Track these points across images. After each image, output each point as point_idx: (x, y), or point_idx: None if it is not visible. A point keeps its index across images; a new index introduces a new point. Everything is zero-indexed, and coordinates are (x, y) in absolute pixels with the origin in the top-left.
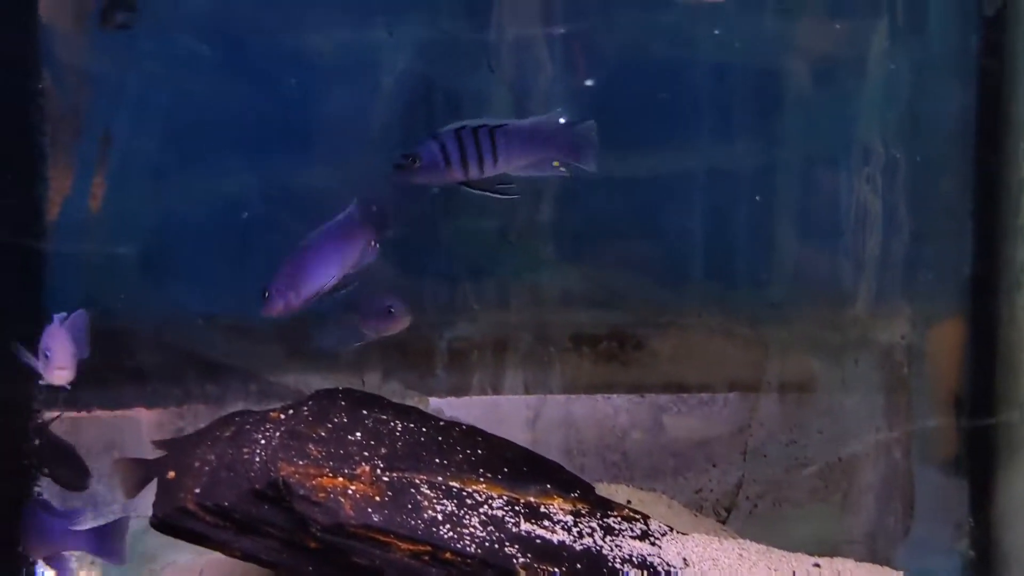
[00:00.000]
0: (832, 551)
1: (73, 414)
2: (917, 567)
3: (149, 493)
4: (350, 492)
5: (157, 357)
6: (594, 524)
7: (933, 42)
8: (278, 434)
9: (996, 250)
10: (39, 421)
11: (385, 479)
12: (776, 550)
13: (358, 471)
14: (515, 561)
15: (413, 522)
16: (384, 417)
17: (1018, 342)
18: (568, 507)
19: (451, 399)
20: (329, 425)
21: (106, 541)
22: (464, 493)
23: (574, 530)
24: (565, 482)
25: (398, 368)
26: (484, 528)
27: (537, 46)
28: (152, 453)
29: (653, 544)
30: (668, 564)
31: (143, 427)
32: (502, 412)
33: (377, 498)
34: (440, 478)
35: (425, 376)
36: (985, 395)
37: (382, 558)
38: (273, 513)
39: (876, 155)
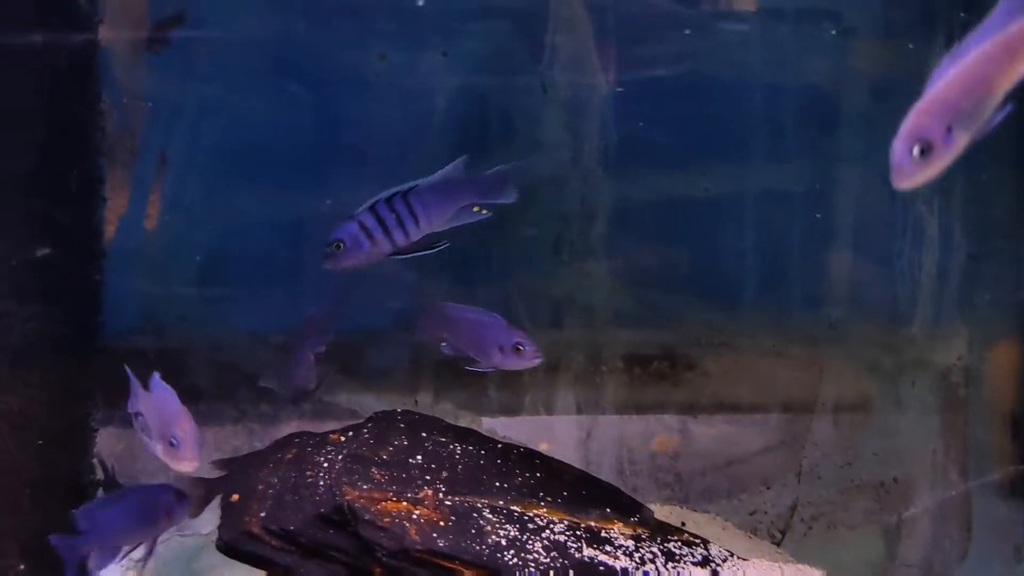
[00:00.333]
0: (887, 575)
1: (130, 432)
2: None
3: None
4: (414, 517)
5: (211, 376)
6: (655, 549)
7: None
8: (340, 457)
9: None
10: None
11: (448, 503)
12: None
13: (421, 495)
14: None
15: (478, 547)
16: (443, 440)
17: None
18: (628, 531)
19: (503, 419)
20: (390, 448)
21: None
22: (526, 518)
23: (635, 556)
24: (624, 506)
25: (450, 388)
26: (547, 554)
27: (590, 66)
28: (210, 472)
29: (714, 571)
30: None
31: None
32: (554, 432)
33: (441, 523)
34: (501, 502)
35: (477, 396)
36: None
37: None
38: (338, 537)
39: None
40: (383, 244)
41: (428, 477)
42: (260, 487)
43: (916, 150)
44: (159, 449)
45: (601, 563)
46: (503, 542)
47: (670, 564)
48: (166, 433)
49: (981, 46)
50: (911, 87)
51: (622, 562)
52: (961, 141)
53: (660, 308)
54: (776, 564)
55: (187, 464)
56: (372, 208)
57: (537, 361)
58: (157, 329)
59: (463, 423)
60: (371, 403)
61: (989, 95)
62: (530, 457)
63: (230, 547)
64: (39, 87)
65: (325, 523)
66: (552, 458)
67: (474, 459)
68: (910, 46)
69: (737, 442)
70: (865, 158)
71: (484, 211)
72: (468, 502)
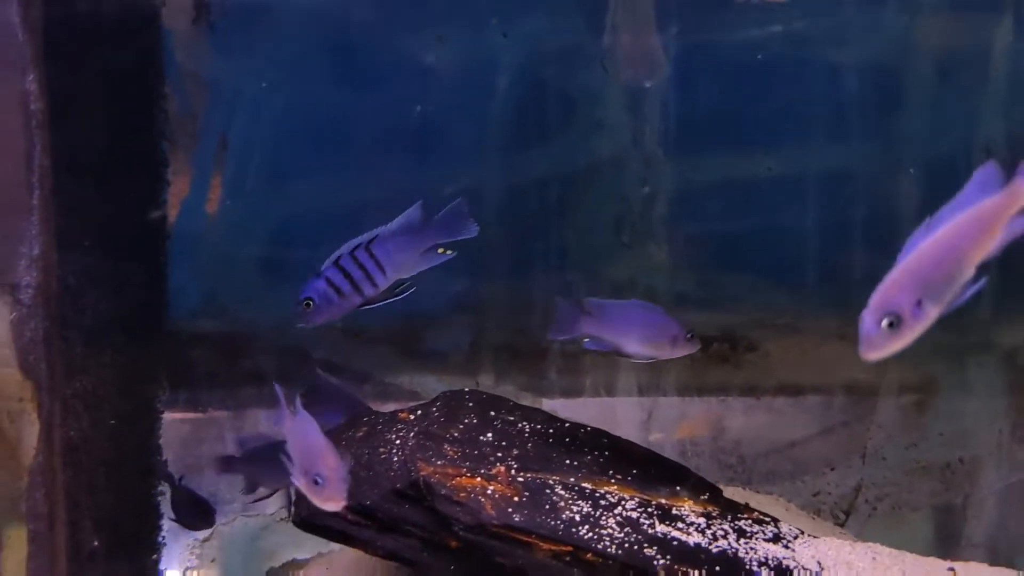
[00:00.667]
0: (953, 556)
1: (193, 415)
2: None
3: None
4: (489, 492)
5: (275, 359)
6: (726, 527)
7: None
8: (412, 434)
9: None
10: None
11: (520, 480)
12: (909, 554)
13: (494, 471)
14: (655, 563)
15: (553, 523)
16: (512, 419)
17: None
18: (699, 509)
19: (564, 401)
20: (460, 426)
21: None
22: (597, 494)
23: (708, 532)
24: (693, 484)
25: (511, 371)
26: (621, 529)
27: (651, 46)
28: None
29: (786, 547)
30: (803, 568)
31: (261, 428)
32: (615, 414)
33: (515, 498)
34: (572, 479)
35: (538, 378)
36: None
37: (525, 558)
38: (414, 512)
39: (999, 153)
40: (352, 297)
41: (500, 454)
42: None
43: (885, 323)
44: (301, 483)
45: (675, 539)
46: (577, 518)
47: (742, 540)
48: (310, 470)
49: (954, 220)
50: (977, 64)
51: (695, 538)
52: (931, 313)
53: (722, 290)
54: (847, 542)
55: (332, 504)
56: (337, 263)
57: (696, 348)
58: (220, 312)
59: None
60: (432, 385)
61: (960, 269)
62: (598, 436)
63: (307, 523)
64: (105, 70)
65: (401, 498)
66: (619, 437)
67: (543, 437)
68: (976, 22)
69: (800, 424)
70: (930, 137)
71: (448, 251)
72: (540, 479)
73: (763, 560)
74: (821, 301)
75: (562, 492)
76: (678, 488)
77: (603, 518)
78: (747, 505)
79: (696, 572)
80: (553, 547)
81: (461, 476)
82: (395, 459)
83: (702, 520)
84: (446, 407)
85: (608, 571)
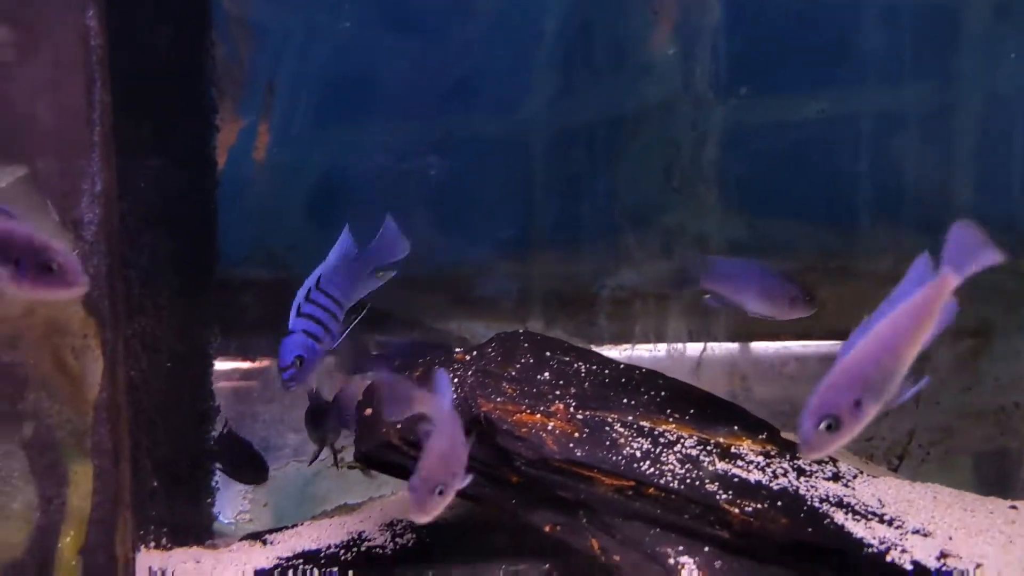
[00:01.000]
0: (1010, 500)
1: (245, 364)
2: None
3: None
4: (550, 428)
5: None
6: (786, 465)
7: None
8: (470, 373)
9: None
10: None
11: (580, 417)
12: (969, 493)
13: (553, 409)
14: (717, 498)
15: (614, 458)
16: (567, 359)
17: None
18: (758, 448)
19: (613, 348)
20: (517, 365)
21: None
22: (656, 432)
23: (767, 470)
24: (751, 424)
25: (559, 317)
26: (682, 466)
27: None
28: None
29: (846, 486)
30: (865, 505)
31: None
32: (665, 360)
33: (576, 434)
34: (631, 417)
35: (586, 325)
36: None
37: (587, 492)
38: (475, 447)
39: None
40: (326, 338)
41: (557, 392)
42: None
43: (823, 426)
44: (418, 479)
45: (735, 476)
46: (638, 454)
47: (802, 479)
48: (439, 478)
49: (888, 317)
50: None
51: (755, 476)
52: (870, 411)
53: (773, 234)
54: (906, 482)
55: (424, 518)
56: (299, 312)
57: (814, 310)
58: (269, 259)
59: None
60: (481, 331)
61: (897, 366)
62: (653, 377)
63: (369, 458)
64: (157, 12)
65: None
66: (674, 378)
67: (599, 377)
68: None
69: None
70: (984, 78)
71: (385, 273)
72: (599, 416)
73: (824, 497)
74: (875, 244)
75: (621, 429)
76: (736, 428)
77: (663, 455)
78: None
79: (759, 505)
80: (615, 481)
81: (521, 412)
82: (454, 396)
83: (761, 459)
84: (502, 348)
85: (670, 505)
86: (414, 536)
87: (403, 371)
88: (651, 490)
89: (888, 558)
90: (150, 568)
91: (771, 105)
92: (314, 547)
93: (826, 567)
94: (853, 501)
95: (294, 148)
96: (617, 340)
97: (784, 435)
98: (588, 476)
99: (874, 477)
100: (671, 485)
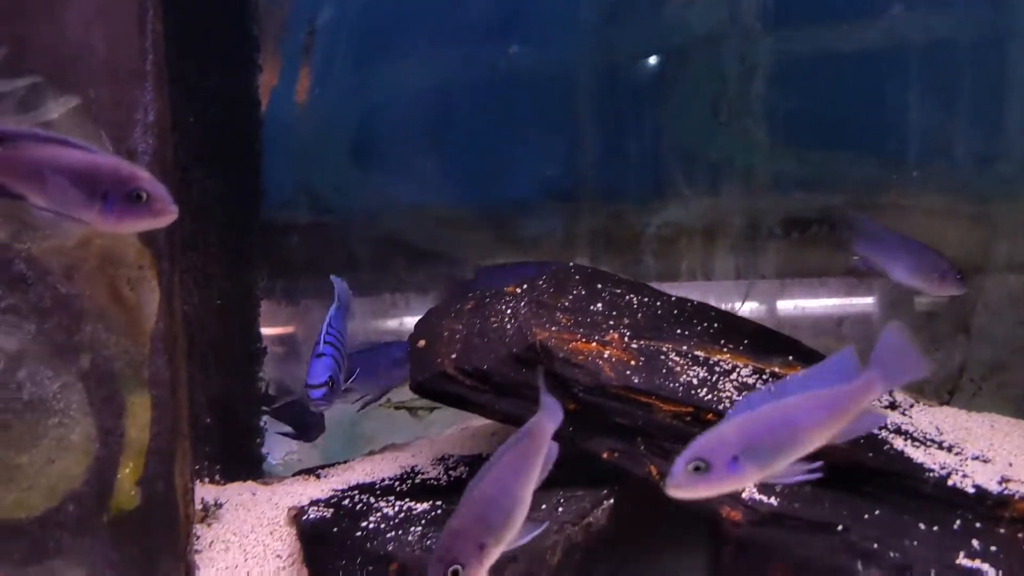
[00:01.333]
0: None
1: (288, 305)
2: None
3: None
4: (606, 356)
5: (368, 247)
6: None
7: None
8: (523, 304)
9: None
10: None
11: (635, 346)
12: None
13: (608, 338)
14: None
15: (672, 385)
16: (618, 291)
17: None
18: None
19: (660, 285)
20: (570, 296)
21: None
22: (711, 361)
23: None
24: (805, 353)
25: (605, 255)
26: (739, 393)
27: None
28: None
29: (904, 414)
30: (923, 432)
31: (355, 316)
32: (711, 298)
33: (632, 362)
34: (685, 347)
35: (632, 262)
36: None
37: (645, 419)
38: (530, 376)
39: None
40: (344, 360)
41: (611, 322)
42: (445, 333)
43: (690, 467)
44: None
45: None
46: (694, 381)
47: None
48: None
49: (803, 395)
50: None
51: None
52: (749, 472)
53: (822, 168)
54: (962, 411)
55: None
56: (326, 342)
57: (963, 290)
58: (313, 201)
59: None
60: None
61: (793, 444)
62: (705, 309)
63: (424, 387)
64: None
65: (517, 362)
66: (725, 311)
67: (651, 308)
68: None
69: (903, 303)
70: None
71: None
72: (654, 345)
73: (882, 424)
74: (926, 177)
75: (676, 358)
76: (791, 358)
77: (720, 382)
78: None
79: None
80: (674, 408)
81: (577, 341)
82: (508, 326)
83: None
84: (553, 280)
85: None
86: (467, 469)
87: (451, 304)
88: (710, 416)
89: (950, 483)
90: (203, 499)
91: (819, 36)
92: (368, 480)
93: (889, 491)
94: (911, 428)
95: (335, 90)
96: (664, 278)
97: None
98: (646, 403)
99: (931, 406)
100: (729, 411)
